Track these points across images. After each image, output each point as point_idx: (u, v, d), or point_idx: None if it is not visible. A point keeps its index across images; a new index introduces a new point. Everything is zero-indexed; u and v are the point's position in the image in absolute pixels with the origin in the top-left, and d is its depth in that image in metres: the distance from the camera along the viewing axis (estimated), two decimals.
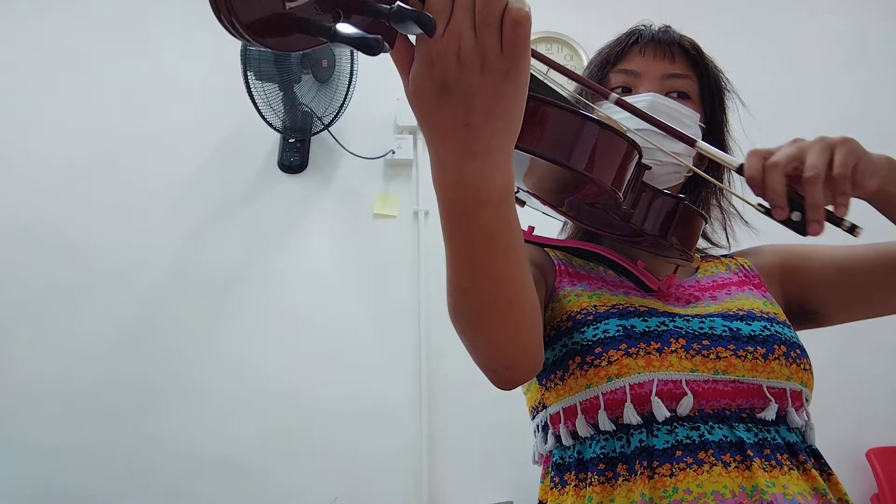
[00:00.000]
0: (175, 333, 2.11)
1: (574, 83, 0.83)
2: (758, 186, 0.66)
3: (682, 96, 0.84)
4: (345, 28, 0.38)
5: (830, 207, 0.65)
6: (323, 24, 0.39)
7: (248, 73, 2.07)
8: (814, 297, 0.87)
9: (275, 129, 2.22)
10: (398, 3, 0.40)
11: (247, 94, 2.10)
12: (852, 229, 0.66)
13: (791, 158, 0.65)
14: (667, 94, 0.83)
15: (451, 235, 0.52)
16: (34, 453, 1.95)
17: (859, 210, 0.71)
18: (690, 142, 0.71)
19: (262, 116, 2.15)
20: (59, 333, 2.07)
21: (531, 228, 0.87)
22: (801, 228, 0.65)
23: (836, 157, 0.64)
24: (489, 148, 0.46)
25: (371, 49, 0.38)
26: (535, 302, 0.61)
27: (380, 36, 0.39)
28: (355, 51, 0.39)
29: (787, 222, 0.65)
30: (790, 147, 0.66)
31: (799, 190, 0.65)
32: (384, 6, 0.40)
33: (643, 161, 0.68)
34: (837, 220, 0.66)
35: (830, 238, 0.79)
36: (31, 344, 2.06)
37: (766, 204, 0.66)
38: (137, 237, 2.18)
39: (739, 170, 0.68)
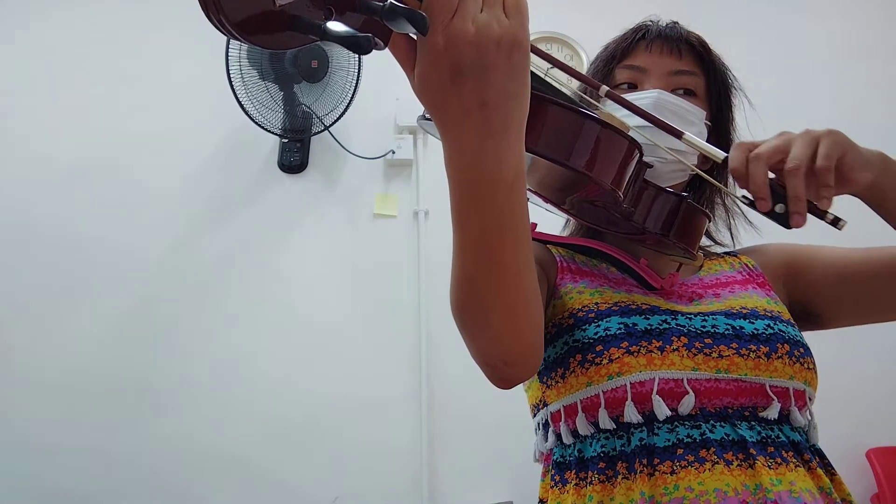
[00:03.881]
0: (175, 333, 2.11)
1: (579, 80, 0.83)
2: (741, 178, 0.66)
3: (688, 93, 0.83)
4: (335, 26, 0.38)
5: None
6: (313, 22, 0.39)
7: (246, 73, 2.07)
8: (817, 299, 0.86)
9: (270, 132, 2.20)
10: (390, 0, 0.40)
11: (246, 95, 2.09)
12: (835, 222, 0.66)
13: (775, 151, 0.65)
14: (673, 91, 0.82)
15: (461, 221, 0.52)
16: (34, 453, 1.95)
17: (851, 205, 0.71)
18: (677, 133, 0.70)
19: (253, 120, 2.13)
20: (59, 332, 2.07)
21: (534, 225, 0.87)
22: (784, 221, 0.65)
23: (820, 150, 0.65)
24: (506, 126, 0.47)
25: (361, 48, 0.38)
26: (538, 298, 0.60)
27: (371, 34, 0.39)
28: (349, 50, 0.39)
29: (770, 214, 0.66)
30: (775, 139, 0.67)
31: (782, 182, 0.65)
32: (377, 3, 0.40)
33: (645, 159, 0.68)
34: (821, 213, 0.66)
35: (832, 238, 0.79)
36: (31, 343, 2.06)
37: (749, 196, 0.66)
38: (138, 236, 2.18)
39: (724, 162, 0.68)
